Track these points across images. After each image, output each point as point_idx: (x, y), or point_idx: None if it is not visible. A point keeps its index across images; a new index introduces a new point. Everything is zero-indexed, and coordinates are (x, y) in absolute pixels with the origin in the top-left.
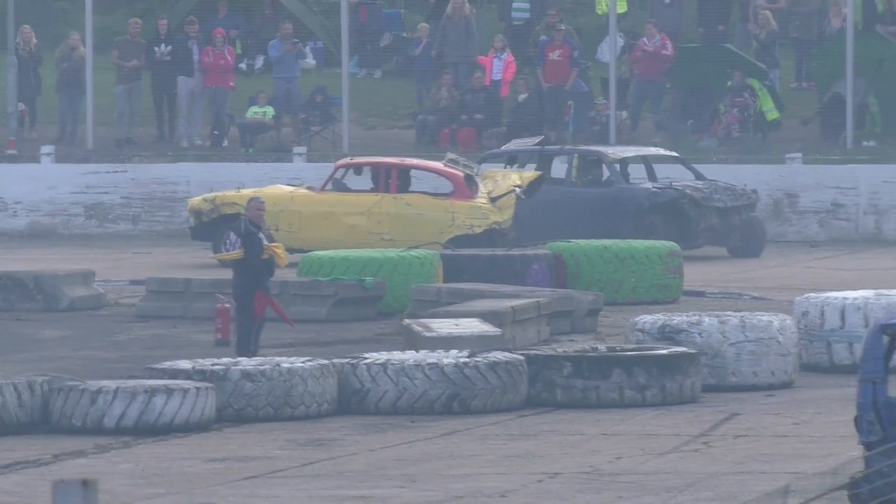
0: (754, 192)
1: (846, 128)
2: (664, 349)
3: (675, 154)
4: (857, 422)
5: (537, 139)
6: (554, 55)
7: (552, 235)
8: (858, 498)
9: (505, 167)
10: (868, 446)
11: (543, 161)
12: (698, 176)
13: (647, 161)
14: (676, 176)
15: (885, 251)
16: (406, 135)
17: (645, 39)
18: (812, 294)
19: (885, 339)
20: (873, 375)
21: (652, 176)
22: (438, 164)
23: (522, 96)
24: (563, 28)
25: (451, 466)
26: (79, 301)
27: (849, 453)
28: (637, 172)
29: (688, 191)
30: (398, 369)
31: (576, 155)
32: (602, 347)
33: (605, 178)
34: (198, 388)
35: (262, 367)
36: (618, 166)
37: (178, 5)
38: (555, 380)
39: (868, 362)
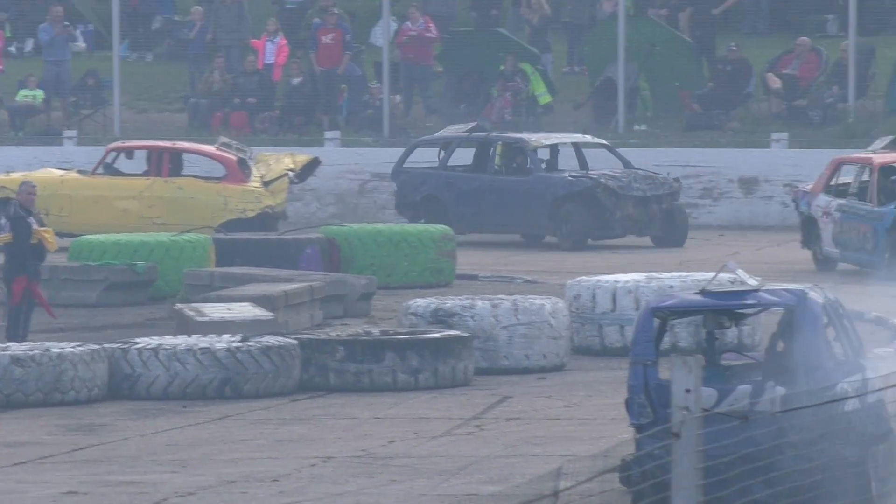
0: (676, 180)
1: (618, 112)
2: (437, 333)
3: (602, 141)
4: (628, 404)
5: (471, 125)
6: (327, 39)
7: (477, 224)
8: (629, 480)
9: (440, 153)
10: (639, 428)
11: (482, 147)
12: (625, 164)
13: (577, 148)
14: (610, 163)
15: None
16: (178, 118)
17: (409, 23)
18: (584, 277)
19: (656, 321)
20: (644, 358)
21: (583, 163)
22: (211, 148)
23: (296, 80)
24: (336, 12)
25: (223, 451)
26: None
27: (620, 436)
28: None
29: (603, 179)
30: (170, 354)
31: (499, 142)
32: (375, 331)
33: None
34: None
35: (31, 353)
36: (545, 153)
37: None
38: (328, 364)
39: (639, 345)
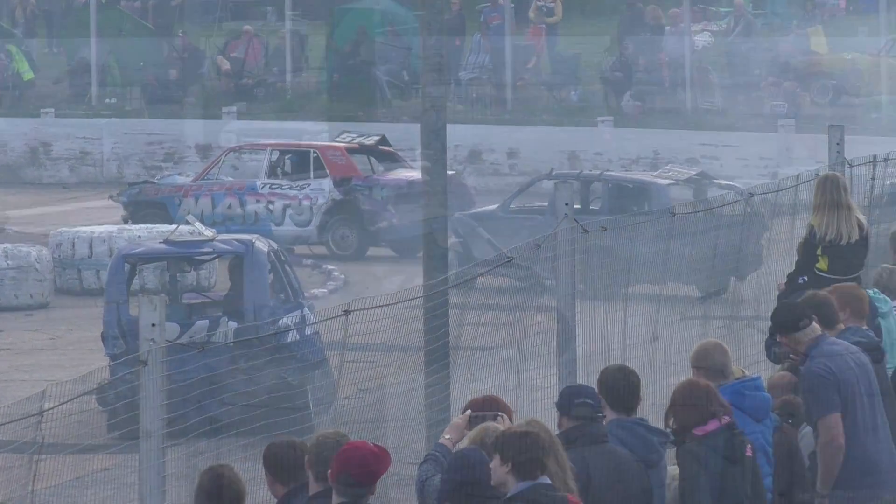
0: None
1: (92, 87)
2: None
3: None
4: (104, 337)
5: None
6: None
7: None
8: (105, 401)
9: None
10: (113, 357)
11: None
12: None
13: None
14: None
15: None
16: None
17: None
18: (64, 228)
19: (127, 266)
20: (117, 298)
21: None
22: None
23: None
24: None
25: None
26: None
27: (97, 364)
28: None
29: None
30: None
31: None
32: None
33: None
34: None
35: None
36: None
37: None
38: None
39: (112, 286)
